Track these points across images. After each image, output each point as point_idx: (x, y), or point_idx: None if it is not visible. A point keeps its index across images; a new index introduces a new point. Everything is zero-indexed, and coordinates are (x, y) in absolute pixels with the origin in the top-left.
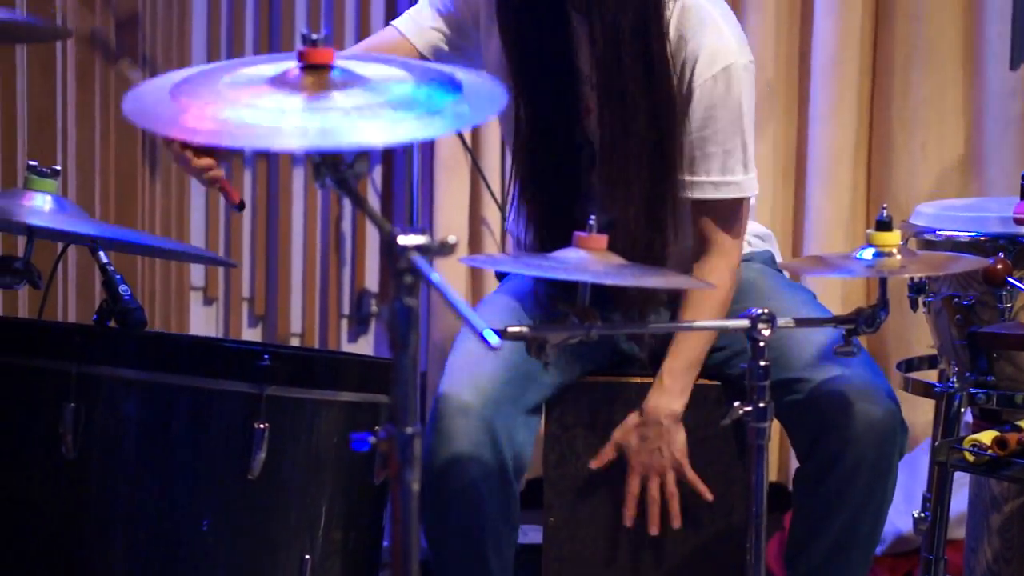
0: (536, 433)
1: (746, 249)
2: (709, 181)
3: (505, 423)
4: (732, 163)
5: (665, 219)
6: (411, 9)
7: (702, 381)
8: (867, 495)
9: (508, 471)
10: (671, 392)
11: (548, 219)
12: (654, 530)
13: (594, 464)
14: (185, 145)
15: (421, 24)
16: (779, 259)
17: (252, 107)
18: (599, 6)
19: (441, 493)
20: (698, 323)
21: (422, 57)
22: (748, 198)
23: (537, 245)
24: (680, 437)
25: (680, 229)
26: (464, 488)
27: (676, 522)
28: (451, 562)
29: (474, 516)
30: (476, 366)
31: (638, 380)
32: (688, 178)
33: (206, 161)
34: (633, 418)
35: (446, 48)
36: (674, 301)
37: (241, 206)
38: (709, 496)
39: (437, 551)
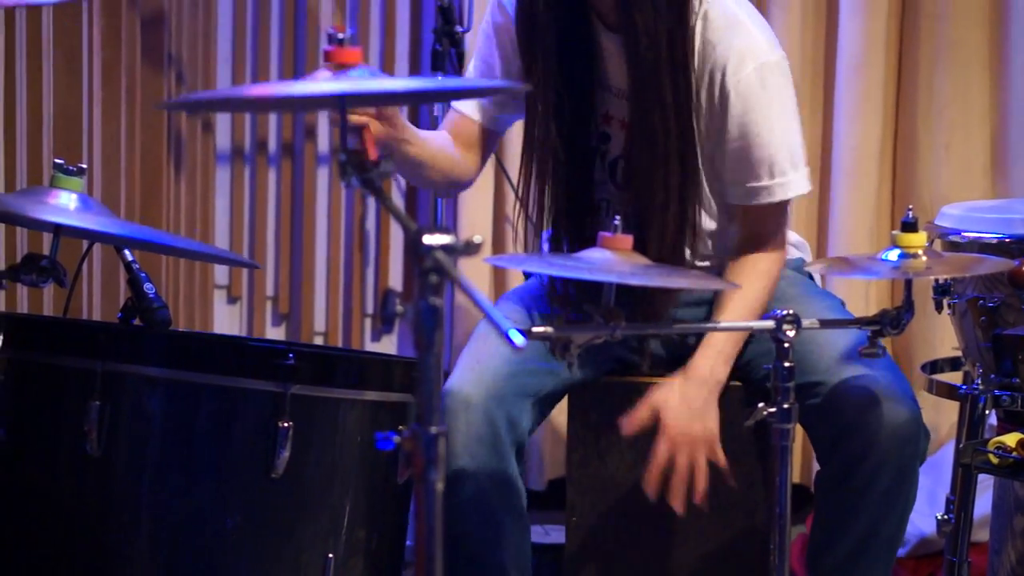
0: (543, 421)
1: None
2: (763, 186)
3: (508, 415)
4: (780, 162)
5: (687, 233)
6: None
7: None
8: (888, 498)
9: (511, 466)
10: (719, 357)
11: (566, 228)
12: (678, 506)
13: (625, 425)
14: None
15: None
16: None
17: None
18: (634, 25)
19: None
20: (724, 323)
21: (487, 131)
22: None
23: (555, 249)
24: (716, 413)
25: (703, 240)
26: (465, 484)
27: (699, 497)
28: (461, 561)
29: (479, 514)
30: (481, 360)
31: (663, 381)
32: (746, 185)
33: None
34: (676, 382)
35: (498, 111)
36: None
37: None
38: (732, 481)
39: (449, 550)
